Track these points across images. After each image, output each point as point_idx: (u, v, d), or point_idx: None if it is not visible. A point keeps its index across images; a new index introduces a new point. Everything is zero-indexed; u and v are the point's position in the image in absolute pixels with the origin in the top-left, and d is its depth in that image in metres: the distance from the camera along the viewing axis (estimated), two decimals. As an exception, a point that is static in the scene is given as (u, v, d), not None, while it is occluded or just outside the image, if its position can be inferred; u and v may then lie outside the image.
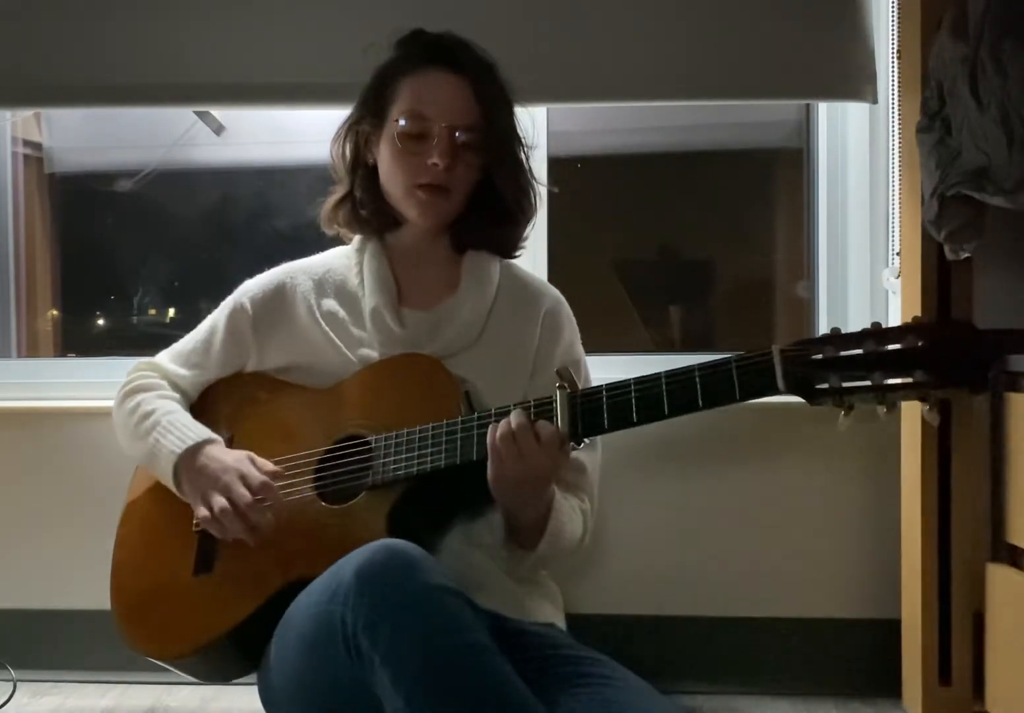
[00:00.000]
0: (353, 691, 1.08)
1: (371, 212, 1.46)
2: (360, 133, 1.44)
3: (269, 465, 1.33)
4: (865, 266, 1.91)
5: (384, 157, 1.41)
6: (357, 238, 1.51)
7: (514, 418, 1.20)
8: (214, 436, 1.37)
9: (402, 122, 1.37)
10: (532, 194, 1.46)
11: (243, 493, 1.27)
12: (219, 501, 1.27)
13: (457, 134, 1.37)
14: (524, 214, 1.46)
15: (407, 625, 1.01)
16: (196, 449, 1.34)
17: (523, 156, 1.45)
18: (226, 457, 1.33)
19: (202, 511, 1.29)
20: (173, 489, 1.35)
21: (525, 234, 1.50)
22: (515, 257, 1.52)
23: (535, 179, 1.47)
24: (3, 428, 1.88)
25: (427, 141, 1.37)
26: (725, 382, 1.14)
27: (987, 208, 1.46)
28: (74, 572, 1.83)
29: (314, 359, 1.41)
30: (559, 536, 1.31)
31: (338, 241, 1.55)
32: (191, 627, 1.29)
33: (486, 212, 1.44)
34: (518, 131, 1.45)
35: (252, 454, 1.34)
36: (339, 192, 1.48)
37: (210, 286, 1.68)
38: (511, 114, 1.44)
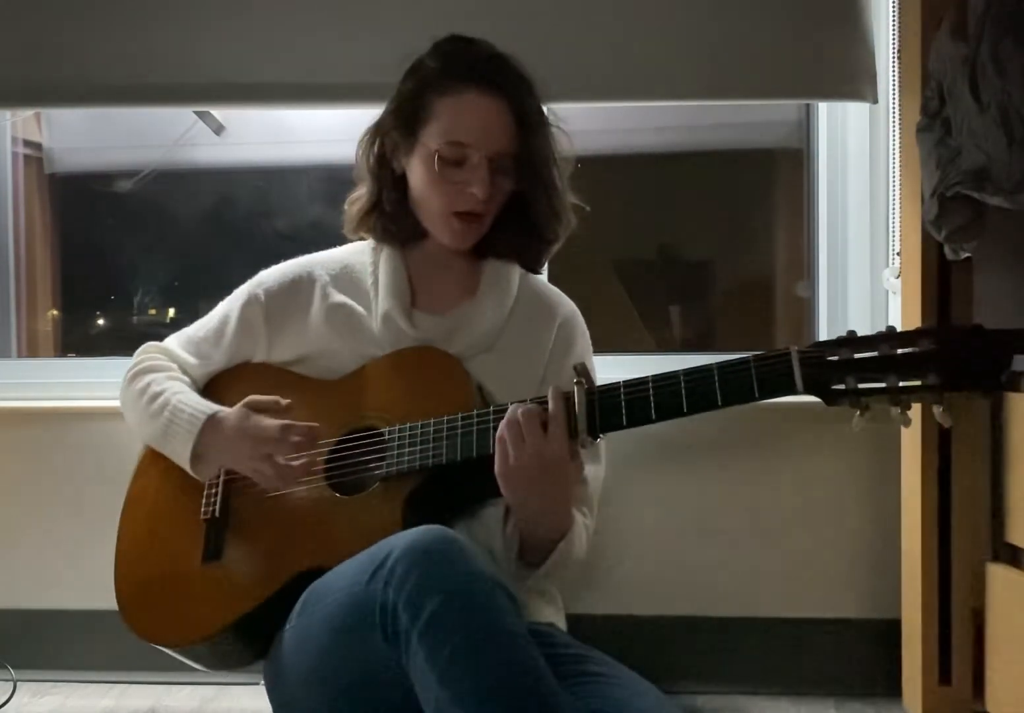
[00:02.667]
0: (381, 676, 1.08)
1: (400, 227, 1.45)
2: (388, 142, 1.42)
3: (272, 401, 1.35)
4: (865, 266, 1.91)
5: (418, 175, 1.40)
6: (376, 241, 1.50)
7: (521, 406, 1.20)
8: (220, 407, 1.37)
9: (441, 148, 1.35)
10: (565, 217, 1.45)
11: (273, 450, 1.29)
12: (260, 464, 1.30)
13: (496, 161, 1.36)
14: (555, 234, 1.46)
15: (451, 604, 1.01)
16: (210, 424, 1.34)
17: (557, 176, 1.43)
18: (237, 420, 1.33)
19: (260, 467, 1.31)
20: (187, 468, 1.36)
21: (552, 251, 1.50)
22: (539, 273, 1.52)
23: (569, 198, 1.45)
24: (3, 428, 1.88)
25: (465, 167, 1.36)
26: (744, 381, 1.16)
27: (987, 208, 1.46)
28: (74, 572, 1.83)
29: (324, 354, 1.41)
30: (567, 557, 1.30)
31: (340, 241, 1.55)
32: (201, 615, 1.30)
33: (515, 228, 1.44)
34: (553, 150, 1.43)
35: (251, 400, 1.35)
36: (365, 199, 1.46)
37: (210, 286, 1.68)
38: (548, 133, 1.42)
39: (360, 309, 1.42)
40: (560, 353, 1.44)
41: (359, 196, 1.48)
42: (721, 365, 1.17)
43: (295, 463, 1.30)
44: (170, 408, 1.37)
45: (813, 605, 1.78)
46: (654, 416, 1.19)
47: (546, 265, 1.85)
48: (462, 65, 1.37)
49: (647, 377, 1.21)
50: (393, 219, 1.44)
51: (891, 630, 1.67)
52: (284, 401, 1.35)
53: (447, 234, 1.41)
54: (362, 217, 1.47)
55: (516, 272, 1.47)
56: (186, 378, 1.46)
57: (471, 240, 1.42)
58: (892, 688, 1.66)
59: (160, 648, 1.33)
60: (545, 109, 1.44)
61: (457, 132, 1.35)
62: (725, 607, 1.78)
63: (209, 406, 1.37)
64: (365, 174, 1.46)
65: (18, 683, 1.73)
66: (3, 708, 1.66)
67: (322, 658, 1.15)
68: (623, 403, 1.20)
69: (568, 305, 1.51)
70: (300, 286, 1.45)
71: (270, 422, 1.31)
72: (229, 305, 1.49)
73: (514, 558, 1.29)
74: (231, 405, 1.40)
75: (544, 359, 1.43)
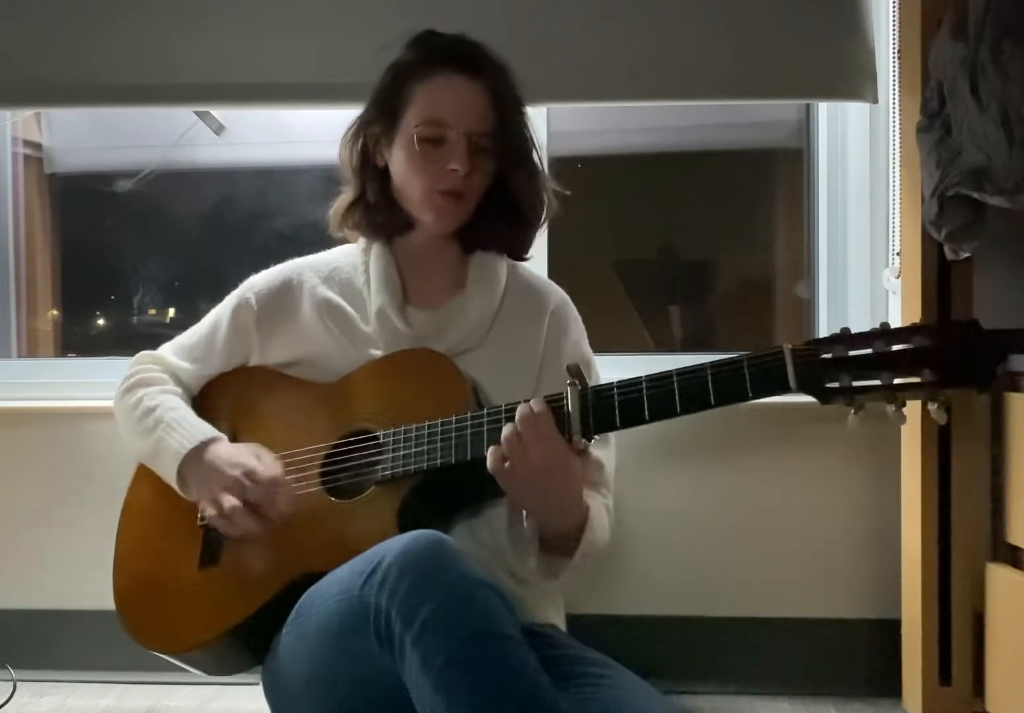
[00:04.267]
0: (376, 682, 1.08)
1: (385, 217, 1.45)
2: (370, 135, 1.43)
3: (275, 463, 1.32)
4: (865, 266, 1.91)
5: (399, 161, 1.41)
6: (363, 237, 1.50)
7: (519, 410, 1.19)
8: (219, 434, 1.36)
9: (420, 127, 1.37)
10: (546, 197, 1.46)
11: (252, 489, 1.27)
12: (229, 500, 1.27)
13: (474, 140, 1.37)
14: (537, 217, 1.46)
15: (444, 610, 1.01)
16: (201, 448, 1.33)
17: (537, 159, 1.45)
18: (231, 453, 1.32)
19: (211, 509, 1.29)
20: (176, 488, 1.35)
21: (535, 235, 1.50)
22: (526, 260, 1.52)
23: (549, 182, 1.47)
24: (3, 428, 1.88)
25: (444, 146, 1.37)
26: (737, 380, 1.15)
27: (987, 208, 1.46)
28: (74, 572, 1.83)
29: (318, 356, 1.41)
30: (594, 543, 1.29)
31: (341, 241, 1.55)
32: (199, 621, 1.29)
33: (498, 214, 1.44)
34: (530, 133, 1.45)
35: (259, 448, 1.34)
36: (349, 195, 1.47)
37: (210, 286, 1.68)
38: (525, 118, 1.44)
39: (351, 309, 1.42)
40: (555, 342, 1.44)
41: (344, 197, 1.49)
42: (714, 364, 1.17)
43: (242, 518, 1.26)
44: (162, 426, 1.36)
45: (813, 605, 1.78)
46: (647, 417, 1.18)
47: (546, 265, 1.87)
48: (438, 52, 1.40)
49: (640, 377, 1.20)
50: (377, 209, 1.45)
51: (891, 630, 1.67)
52: (284, 477, 1.32)
53: (430, 213, 1.41)
54: (346, 212, 1.47)
55: (503, 263, 1.48)
56: (179, 389, 1.46)
57: (454, 220, 1.42)
58: (892, 688, 1.67)
59: (159, 655, 1.33)
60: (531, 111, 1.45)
61: (436, 110, 1.37)
62: (725, 607, 1.78)
63: (204, 431, 1.36)
64: (348, 171, 1.47)
65: (18, 683, 1.73)
66: (3, 708, 1.66)
67: (318, 664, 1.15)
68: (616, 404, 1.19)
69: (558, 293, 1.51)
70: (290, 288, 1.45)
71: (264, 468, 1.29)
72: (220, 310, 1.49)
73: (531, 557, 1.28)
74: (228, 407, 1.41)
75: (539, 351, 1.42)
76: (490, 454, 1.19)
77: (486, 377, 1.36)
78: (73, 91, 1.81)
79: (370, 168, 1.44)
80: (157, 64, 1.79)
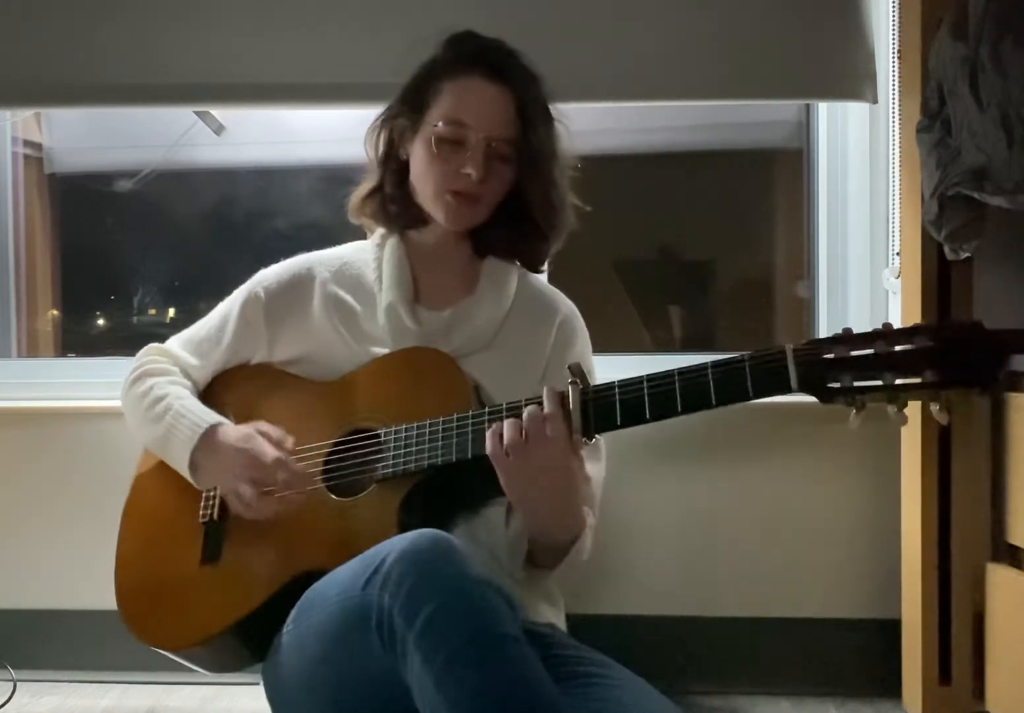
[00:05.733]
0: (378, 682, 1.08)
1: (400, 208, 1.46)
2: (395, 127, 1.44)
3: (281, 436, 1.33)
4: (865, 266, 1.91)
5: (417, 157, 1.41)
6: (378, 233, 1.50)
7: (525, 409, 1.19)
8: (224, 419, 1.37)
9: (440, 126, 1.37)
10: (563, 215, 1.45)
11: (267, 474, 1.28)
12: (244, 487, 1.28)
13: (493, 145, 1.37)
14: (552, 231, 1.46)
15: (446, 609, 1.01)
16: (211, 433, 1.33)
17: (558, 173, 1.44)
18: (237, 439, 1.32)
19: (230, 495, 1.31)
20: (187, 475, 1.35)
21: (551, 250, 1.50)
22: (541, 272, 1.52)
23: (569, 197, 1.46)
24: (3, 428, 1.88)
25: (463, 148, 1.37)
26: (738, 380, 1.15)
27: (987, 208, 1.46)
28: (74, 572, 1.83)
29: (324, 352, 1.41)
30: (579, 557, 1.30)
31: (339, 240, 1.55)
32: (199, 617, 1.30)
33: (514, 222, 1.45)
34: (556, 147, 1.44)
35: (260, 426, 1.34)
36: (369, 183, 1.48)
37: (210, 286, 1.68)
38: (551, 130, 1.43)
39: (359, 306, 1.42)
40: (561, 353, 1.44)
41: (365, 185, 1.49)
42: (715, 364, 1.17)
43: (277, 496, 1.29)
44: (172, 414, 1.37)
45: (813, 605, 1.78)
46: (648, 416, 1.18)
47: (546, 264, 1.86)
48: (471, 53, 1.40)
49: (641, 377, 1.20)
50: (393, 200, 1.46)
51: (891, 630, 1.67)
52: (290, 441, 1.34)
53: (442, 211, 1.41)
54: (364, 199, 1.48)
55: (515, 271, 1.48)
56: (188, 382, 1.46)
57: (465, 221, 1.42)
58: (892, 688, 1.66)
59: (160, 651, 1.33)
60: (552, 109, 1.44)
61: (458, 111, 1.37)
62: (725, 607, 1.78)
63: (212, 416, 1.37)
64: (372, 161, 1.48)
65: (18, 683, 1.73)
66: (3, 708, 1.66)
67: (319, 663, 1.15)
68: (617, 403, 1.19)
69: (567, 305, 1.52)
70: (300, 283, 1.45)
71: (271, 450, 1.30)
72: (229, 304, 1.48)
73: (522, 561, 1.29)
74: (231, 405, 1.41)
75: (544, 358, 1.43)
76: (489, 438, 1.19)
77: (490, 380, 1.36)
78: (73, 91, 1.81)
79: (393, 160, 1.45)
80: (157, 64, 1.78)
